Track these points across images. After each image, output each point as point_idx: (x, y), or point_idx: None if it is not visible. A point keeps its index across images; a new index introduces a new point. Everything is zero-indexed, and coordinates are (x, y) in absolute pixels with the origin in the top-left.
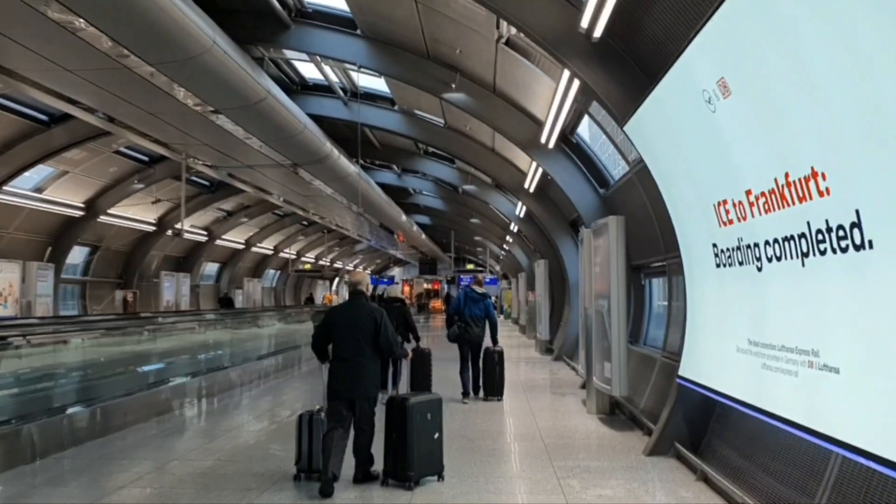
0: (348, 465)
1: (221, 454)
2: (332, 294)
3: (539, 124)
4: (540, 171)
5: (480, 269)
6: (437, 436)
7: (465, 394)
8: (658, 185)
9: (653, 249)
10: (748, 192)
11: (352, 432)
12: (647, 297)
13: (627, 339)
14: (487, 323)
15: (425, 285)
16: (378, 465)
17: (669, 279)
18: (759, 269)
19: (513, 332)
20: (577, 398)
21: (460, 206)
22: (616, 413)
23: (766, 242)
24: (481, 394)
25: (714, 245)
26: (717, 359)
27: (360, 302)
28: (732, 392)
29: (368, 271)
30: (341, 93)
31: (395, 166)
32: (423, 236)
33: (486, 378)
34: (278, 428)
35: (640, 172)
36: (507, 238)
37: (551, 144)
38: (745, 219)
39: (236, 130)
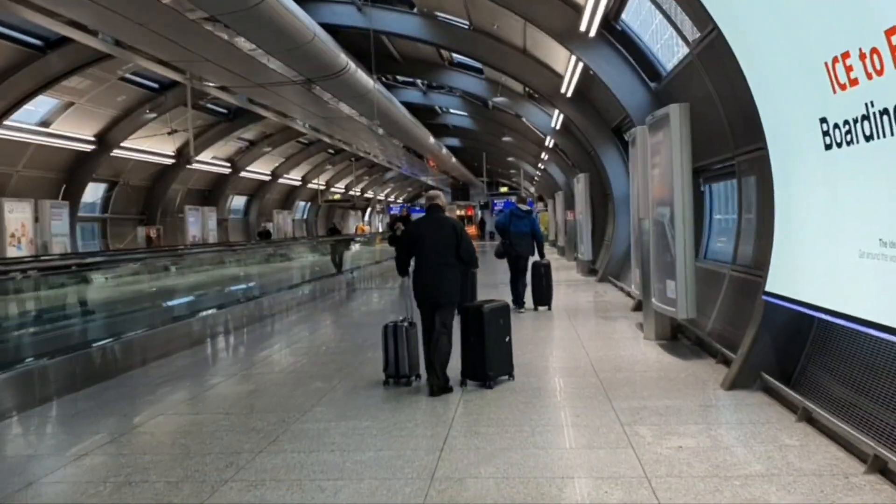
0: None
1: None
2: (364, 224)
3: (577, 10)
4: (580, 67)
5: (514, 191)
6: (507, 339)
7: (517, 304)
8: (736, 56)
9: (717, 147)
10: (890, 32)
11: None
12: (708, 204)
13: (693, 251)
14: (534, 239)
15: (458, 212)
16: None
17: (740, 181)
18: None
19: (551, 255)
20: (629, 322)
21: (491, 123)
22: (679, 338)
23: None
24: (532, 304)
25: (823, 120)
26: (825, 269)
27: (439, 215)
28: (851, 309)
29: (400, 199)
30: None
31: (419, 81)
32: (454, 160)
33: (535, 289)
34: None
35: (706, 52)
36: (542, 155)
37: (592, 32)
38: (881, 72)
39: (238, 41)
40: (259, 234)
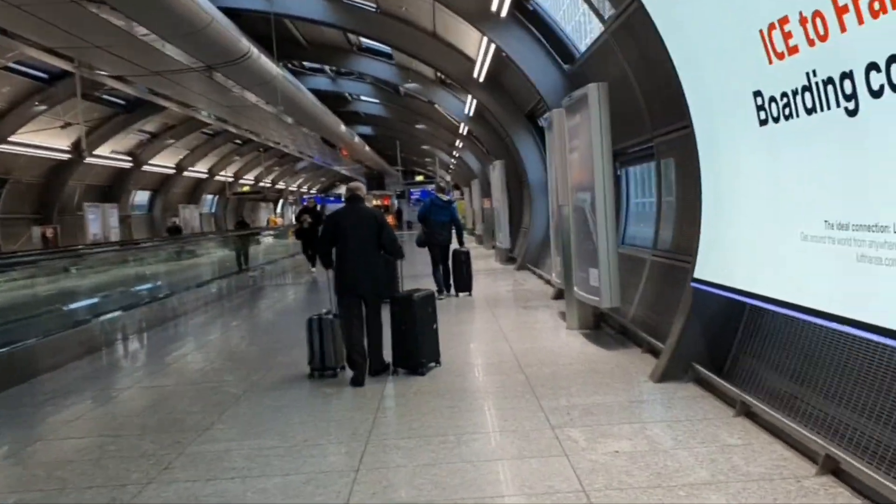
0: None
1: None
2: (276, 217)
3: None
4: (492, 49)
5: (430, 180)
6: (435, 326)
7: (440, 291)
8: (659, 31)
9: (634, 129)
10: None
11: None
12: (625, 188)
13: (617, 238)
14: (453, 227)
15: (374, 201)
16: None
17: (659, 163)
18: (854, 112)
19: (469, 243)
20: (551, 311)
21: (404, 110)
22: (602, 327)
23: (872, 66)
24: (453, 291)
25: (758, 94)
26: (763, 254)
27: (360, 205)
28: (793, 297)
29: (314, 190)
30: None
31: (327, 68)
32: (367, 148)
33: (456, 276)
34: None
35: (622, 30)
36: (457, 143)
37: (504, 12)
38: (824, 38)
39: (129, 26)
40: (168, 230)
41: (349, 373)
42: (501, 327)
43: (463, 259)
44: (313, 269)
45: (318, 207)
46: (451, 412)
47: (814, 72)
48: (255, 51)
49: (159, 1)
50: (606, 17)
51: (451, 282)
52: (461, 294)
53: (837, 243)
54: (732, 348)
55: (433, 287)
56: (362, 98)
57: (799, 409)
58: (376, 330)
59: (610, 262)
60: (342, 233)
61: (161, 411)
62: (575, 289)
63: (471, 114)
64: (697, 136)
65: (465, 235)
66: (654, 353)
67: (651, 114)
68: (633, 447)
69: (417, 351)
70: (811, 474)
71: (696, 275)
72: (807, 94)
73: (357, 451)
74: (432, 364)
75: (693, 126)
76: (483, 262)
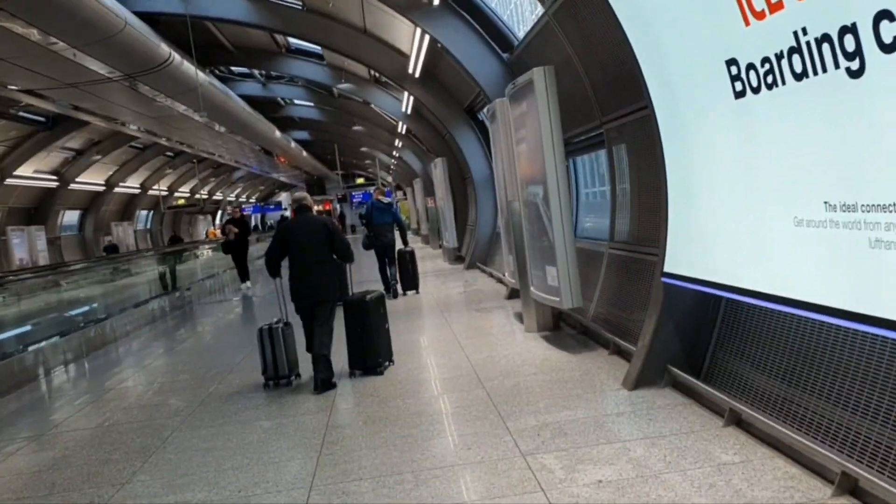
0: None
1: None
2: (215, 229)
3: None
4: (426, 41)
5: (371, 182)
6: (386, 326)
7: (387, 290)
8: (612, 6)
9: (581, 116)
10: None
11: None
12: (574, 179)
13: (573, 233)
14: (396, 228)
15: (316, 207)
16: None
17: (610, 150)
18: (859, 73)
19: (415, 243)
20: (506, 313)
21: (339, 112)
22: (561, 328)
23: (883, 15)
24: (400, 289)
25: (732, 62)
26: (745, 243)
27: (308, 215)
28: (785, 290)
29: (252, 199)
30: None
31: (256, 72)
32: (305, 154)
33: (403, 276)
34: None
35: (563, 9)
36: (396, 143)
37: (436, 0)
38: None
39: (31, 33)
40: (105, 249)
41: (302, 380)
42: (455, 333)
43: (408, 258)
44: (245, 285)
45: (244, 216)
46: (405, 443)
47: (803, 30)
48: (176, 56)
49: (63, 5)
50: None
51: (398, 281)
52: (409, 292)
53: (843, 227)
54: (710, 347)
55: (381, 287)
56: (296, 102)
57: (797, 416)
58: (328, 333)
59: (568, 259)
60: (294, 243)
61: (74, 463)
62: (532, 289)
63: (408, 112)
64: (658, 117)
65: (411, 236)
66: (622, 354)
67: (599, 99)
68: (618, 474)
69: (374, 351)
70: (826, 496)
71: (667, 268)
72: (794, 57)
73: (300, 499)
74: (387, 363)
75: (653, 106)
76: (431, 262)
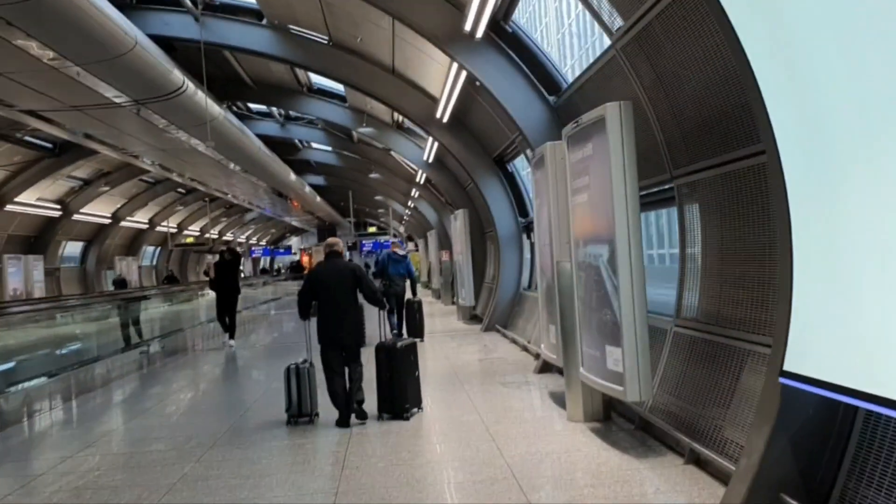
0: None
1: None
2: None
3: (459, 7)
4: (461, 80)
5: (382, 231)
6: (416, 374)
7: (395, 333)
8: (728, 17)
9: (647, 169)
10: None
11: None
12: None
13: (647, 305)
14: (408, 279)
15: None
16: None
17: (681, 209)
18: None
19: (425, 298)
20: (538, 391)
21: (357, 158)
22: (612, 418)
23: None
24: (405, 333)
25: None
26: None
27: (338, 260)
28: None
29: (263, 242)
30: (190, 4)
31: (275, 111)
32: (318, 199)
33: (409, 323)
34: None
35: (637, 41)
36: (413, 193)
37: (479, 32)
38: None
39: (28, 46)
40: (114, 283)
41: (323, 419)
42: (481, 415)
43: (416, 308)
44: (230, 343)
45: (234, 251)
46: None
47: None
48: (190, 85)
49: (62, 14)
50: (616, 26)
51: (405, 328)
52: (414, 338)
53: None
54: (839, 474)
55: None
56: (313, 145)
57: None
58: (359, 376)
59: (638, 340)
60: (323, 287)
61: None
62: (581, 370)
63: (430, 160)
64: (785, 165)
65: (421, 289)
66: (702, 464)
67: (671, 149)
68: None
69: (402, 396)
70: None
71: (790, 367)
72: None
73: None
74: (415, 410)
75: (777, 151)
76: (443, 320)
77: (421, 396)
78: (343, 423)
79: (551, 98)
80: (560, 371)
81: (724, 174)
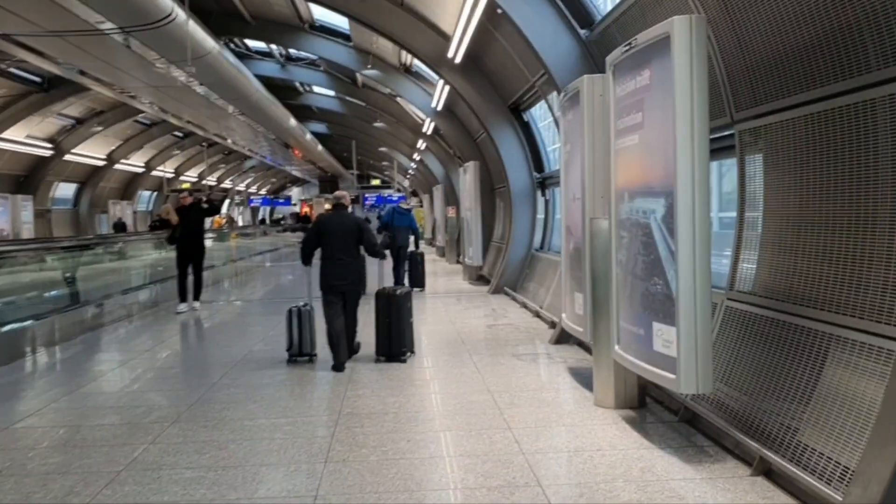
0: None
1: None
2: (221, 217)
3: None
4: (480, 8)
5: (386, 184)
6: (411, 320)
7: (398, 283)
8: None
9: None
10: None
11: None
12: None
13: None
14: (412, 233)
15: (326, 205)
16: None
17: (742, 161)
18: None
19: (429, 256)
20: (556, 366)
21: (361, 106)
22: (647, 405)
23: None
24: (407, 283)
25: None
26: None
27: (344, 213)
28: None
29: (263, 191)
30: None
31: (275, 49)
32: (320, 148)
33: (412, 273)
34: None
35: None
36: (419, 144)
37: None
38: None
39: None
40: (115, 227)
41: (320, 360)
42: (493, 394)
43: (419, 259)
44: (192, 304)
45: (211, 201)
46: None
47: None
48: (181, 14)
49: None
50: None
51: (407, 279)
52: (416, 289)
53: None
54: None
55: (391, 280)
56: (315, 89)
57: None
58: (354, 321)
59: (699, 318)
60: (327, 235)
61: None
62: (616, 348)
63: (439, 107)
64: None
65: (426, 247)
66: (774, 478)
67: (734, 87)
68: None
69: (400, 340)
70: None
71: None
72: None
73: None
74: (409, 353)
75: None
76: (448, 279)
77: (413, 341)
78: (338, 367)
79: (583, 31)
80: (580, 343)
81: (809, 116)
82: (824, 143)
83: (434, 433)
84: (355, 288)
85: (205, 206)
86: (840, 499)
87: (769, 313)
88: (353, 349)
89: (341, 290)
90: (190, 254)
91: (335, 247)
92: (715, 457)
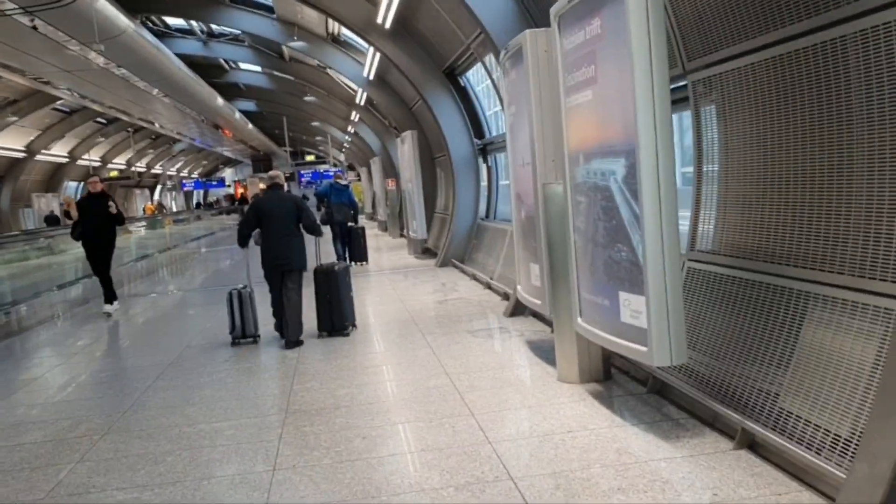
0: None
1: None
2: (153, 204)
3: None
4: None
5: (321, 160)
6: (351, 294)
7: (339, 258)
8: None
9: None
10: None
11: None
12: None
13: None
14: (351, 208)
15: (261, 185)
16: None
17: (697, 113)
18: None
19: (371, 230)
20: (514, 340)
21: (290, 80)
22: (613, 376)
23: None
24: (349, 259)
25: None
26: None
27: (279, 192)
28: None
29: (195, 174)
30: None
31: (196, 26)
32: (251, 126)
33: (352, 248)
34: None
35: None
36: (353, 116)
37: None
38: None
39: None
40: (46, 220)
41: (263, 341)
42: (452, 379)
43: (360, 233)
44: (106, 308)
45: (104, 193)
46: None
47: None
48: None
49: None
50: None
51: (348, 254)
52: (358, 263)
53: None
54: None
55: (333, 257)
56: (241, 66)
57: None
58: (297, 300)
59: (669, 286)
60: (267, 216)
61: None
62: (578, 320)
63: (371, 76)
64: None
65: (365, 220)
66: (758, 449)
67: (685, 35)
68: None
69: (341, 315)
70: None
71: None
72: None
73: None
74: (351, 327)
75: None
76: (393, 255)
77: (355, 314)
78: (293, 344)
79: None
80: (535, 314)
81: (769, 59)
82: (788, 90)
83: (391, 426)
84: (298, 266)
85: (111, 210)
86: (842, 476)
87: (736, 272)
88: (298, 333)
89: (284, 270)
90: (96, 249)
91: (275, 227)
92: (693, 431)
